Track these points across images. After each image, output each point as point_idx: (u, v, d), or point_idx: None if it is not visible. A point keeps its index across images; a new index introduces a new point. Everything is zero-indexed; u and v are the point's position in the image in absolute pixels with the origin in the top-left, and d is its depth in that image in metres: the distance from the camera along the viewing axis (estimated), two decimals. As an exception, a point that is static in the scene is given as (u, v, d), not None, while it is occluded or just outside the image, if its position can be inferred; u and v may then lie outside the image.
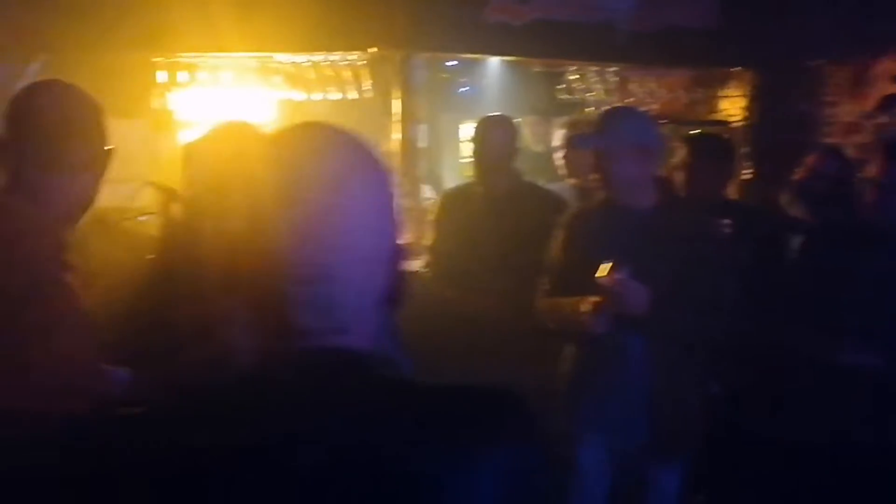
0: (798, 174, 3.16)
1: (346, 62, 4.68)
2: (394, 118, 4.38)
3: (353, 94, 4.84)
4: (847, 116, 4.51)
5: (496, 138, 3.35)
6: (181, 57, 4.64)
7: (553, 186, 3.84)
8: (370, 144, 0.89)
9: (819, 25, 4.39)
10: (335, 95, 4.91)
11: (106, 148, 1.83)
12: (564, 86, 5.74)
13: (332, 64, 4.72)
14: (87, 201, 1.82)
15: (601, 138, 2.46)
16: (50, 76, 4.41)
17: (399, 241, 0.86)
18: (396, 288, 0.85)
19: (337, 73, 4.78)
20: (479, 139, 3.37)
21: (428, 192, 4.68)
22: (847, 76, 4.54)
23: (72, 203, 1.77)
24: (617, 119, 2.59)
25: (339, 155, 0.85)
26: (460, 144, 6.16)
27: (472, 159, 3.39)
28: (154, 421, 0.82)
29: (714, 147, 3.37)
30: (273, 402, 0.79)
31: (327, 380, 0.80)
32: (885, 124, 4.29)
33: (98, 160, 1.78)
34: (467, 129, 6.05)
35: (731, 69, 5.12)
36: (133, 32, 4.16)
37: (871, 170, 2.46)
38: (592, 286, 2.26)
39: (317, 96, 4.97)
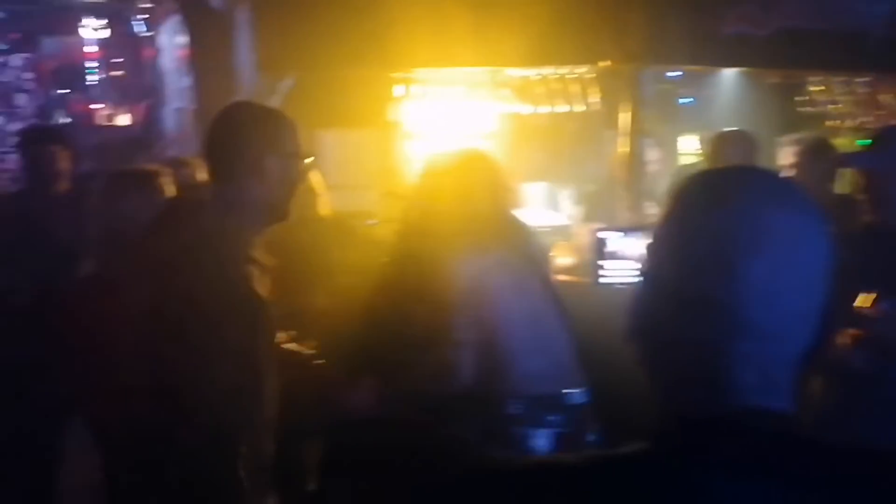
0: None
1: (575, 75, 4.68)
2: (620, 132, 4.31)
3: (579, 107, 4.82)
4: None
5: (733, 156, 3.20)
6: (417, 72, 4.87)
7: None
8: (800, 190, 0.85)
9: None
10: (562, 108, 4.91)
11: (291, 157, 1.90)
12: (806, 98, 5.34)
13: (560, 77, 4.73)
14: (270, 207, 1.88)
15: (881, 158, 2.29)
16: (299, 91, 4.89)
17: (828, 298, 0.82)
18: (821, 346, 0.83)
19: (565, 86, 4.79)
20: (714, 154, 3.24)
21: (651, 209, 4.55)
22: None
23: (248, 209, 1.84)
24: None
25: (796, 204, 0.82)
26: (679, 157, 5.96)
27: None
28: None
29: None
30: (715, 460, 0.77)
31: (768, 441, 0.77)
32: None
33: (270, 168, 1.83)
34: (686, 142, 5.86)
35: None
36: (374, 50, 4.44)
37: None
38: (853, 317, 2.09)
39: (543, 109, 5.00)
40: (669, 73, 5.70)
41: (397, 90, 4.98)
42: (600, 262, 3.24)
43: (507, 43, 4.14)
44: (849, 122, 5.15)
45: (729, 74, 5.46)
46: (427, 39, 4.25)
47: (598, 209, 4.49)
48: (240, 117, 1.94)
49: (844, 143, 4.50)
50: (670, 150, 5.98)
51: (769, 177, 0.87)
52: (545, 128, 5.32)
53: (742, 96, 5.54)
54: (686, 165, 5.45)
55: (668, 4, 4.00)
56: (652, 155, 4.78)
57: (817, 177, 3.51)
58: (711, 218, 0.79)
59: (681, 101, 6.15)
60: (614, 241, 3.23)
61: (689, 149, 5.76)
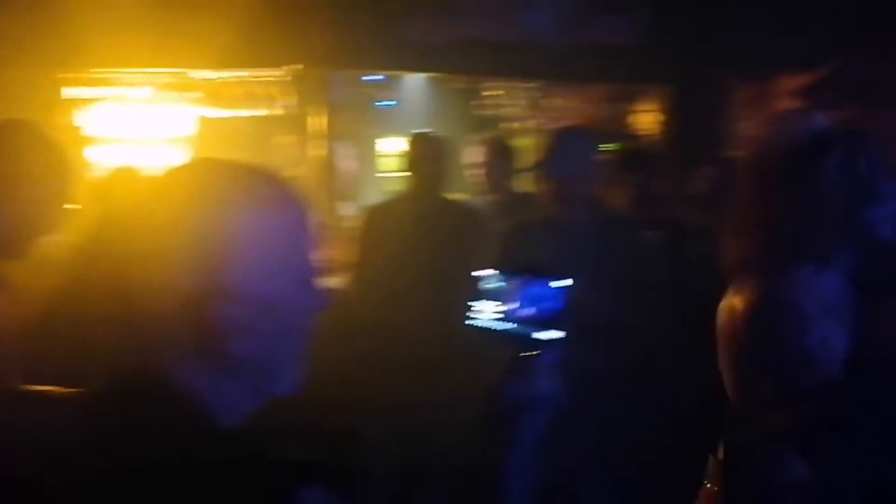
0: (696, 187, 3.30)
1: (269, 78, 4.62)
2: (314, 135, 4.34)
3: (274, 111, 4.77)
4: (752, 131, 4.75)
5: (432, 156, 3.38)
6: (92, 73, 4.48)
7: (471, 201, 3.91)
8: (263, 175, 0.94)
9: (728, 45, 4.61)
10: (256, 112, 4.83)
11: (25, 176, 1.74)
12: (483, 102, 5.81)
13: (255, 80, 4.64)
14: (13, 228, 1.76)
15: (558, 166, 2.54)
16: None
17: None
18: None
19: (258, 89, 4.71)
20: (413, 156, 3.39)
21: (346, 209, 4.65)
22: (751, 93, 4.78)
23: None
24: (574, 144, 2.67)
25: (227, 190, 0.89)
26: (377, 159, 6.17)
27: (406, 175, 3.40)
28: None
29: (641, 161, 3.48)
30: None
31: None
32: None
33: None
34: (386, 144, 6.10)
35: (652, 85, 5.30)
36: (41, 48, 4.00)
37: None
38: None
39: (236, 113, 4.88)
40: (367, 77, 5.86)
41: (71, 92, 4.52)
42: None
43: (194, 45, 3.97)
44: (522, 124, 5.71)
45: (417, 79, 5.77)
46: (104, 38, 3.93)
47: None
48: None
49: (524, 143, 4.98)
50: (370, 153, 6.16)
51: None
52: (239, 131, 5.19)
53: (434, 100, 5.89)
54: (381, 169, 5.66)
55: (354, 11, 4.10)
56: (347, 157, 4.89)
57: (500, 174, 3.86)
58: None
59: (379, 104, 6.36)
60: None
61: (389, 150, 5.98)
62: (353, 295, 3.32)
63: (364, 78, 5.82)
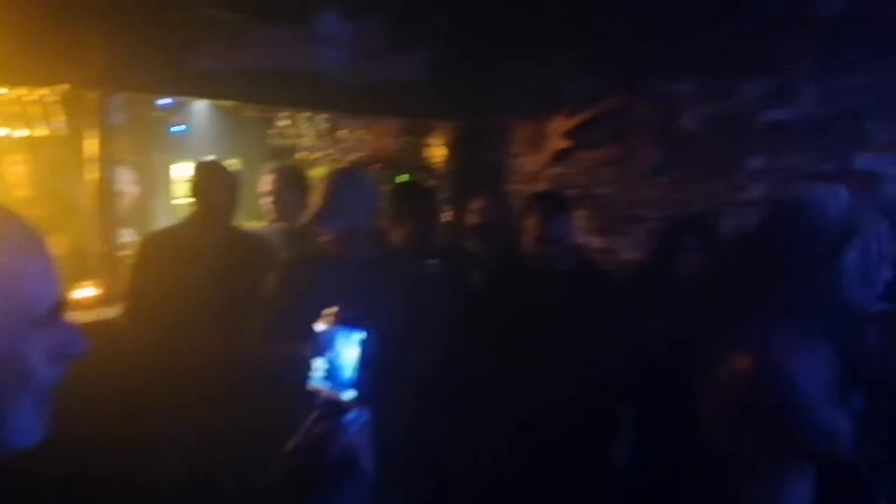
0: (472, 219, 3.51)
1: (35, 98, 4.28)
2: (89, 158, 4.08)
3: (41, 132, 4.42)
4: (528, 167, 5.11)
5: (217, 184, 3.30)
6: None
7: (261, 230, 3.86)
8: None
9: (507, 86, 4.94)
10: (28, 132, 4.45)
11: None
12: (276, 131, 5.78)
13: (18, 98, 4.28)
14: None
15: (342, 214, 2.50)
16: None
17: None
18: None
19: (24, 108, 4.34)
20: (199, 184, 3.29)
21: (129, 236, 4.41)
22: (528, 132, 5.15)
23: None
24: (351, 188, 2.57)
25: None
26: (171, 185, 5.93)
27: (192, 203, 3.29)
28: None
29: (418, 194, 3.61)
30: None
31: None
32: (559, 175, 4.93)
33: None
34: (179, 169, 5.87)
35: (437, 121, 5.53)
36: None
37: (530, 221, 2.81)
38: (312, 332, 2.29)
39: (6, 131, 4.47)
40: (161, 102, 5.62)
41: None
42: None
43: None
44: (316, 154, 5.74)
45: (210, 105, 5.63)
46: None
47: (72, 237, 4.20)
48: None
49: (318, 173, 5.00)
50: (163, 178, 5.90)
51: None
52: (12, 153, 4.77)
53: (227, 127, 5.76)
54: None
55: (130, 33, 3.92)
56: (128, 182, 4.65)
57: (290, 203, 3.84)
58: None
59: (173, 129, 6.12)
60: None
61: (182, 176, 5.76)
62: (129, 325, 3.15)
63: (159, 102, 5.58)
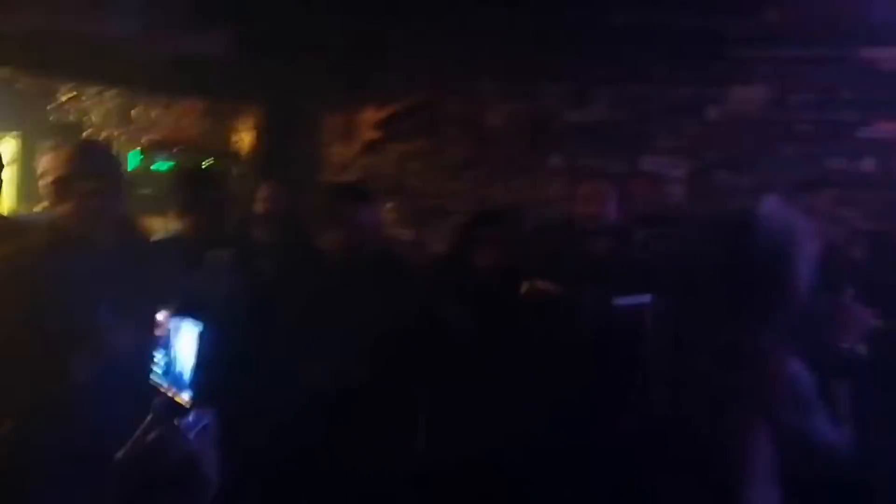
0: (258, 207, 3.38)
1: None
2: None
3: None
4: (339, 157, 5.02)
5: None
6: None
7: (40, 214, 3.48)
8: None
9: (320, 72, 4.81)
10: None
11: None
12: (58, 105, 5.25)
13: None
14: None
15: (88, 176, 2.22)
16: None
17: None
18: None
19: None
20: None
21: None
22: (339, 121, 5.06)
23: None
24: (95, 157, 2.34)
25: None
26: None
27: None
28: None
29: (206, 181, 3.34)
30: None
31: None
32: (368, 165, 4.90)
33: None
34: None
35: (243, 103, 5.28)
36: None
37: (329, 211, 2.74)
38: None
39: None
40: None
41: None
42: None
43: None
44: (103, 133, 5.28)
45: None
46: None
47: None
48: None
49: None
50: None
51: None
52: None
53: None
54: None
55: None
56: None
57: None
58: None
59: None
60: None
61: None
62: None
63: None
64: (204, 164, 5.24)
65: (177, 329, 1.16)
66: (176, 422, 1.08)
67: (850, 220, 3.65)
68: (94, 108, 5.25)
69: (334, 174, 4.95)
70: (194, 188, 3.06)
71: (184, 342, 1.15)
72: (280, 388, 2.61)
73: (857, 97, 3.70)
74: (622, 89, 4.22)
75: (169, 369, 1.16)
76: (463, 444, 2.76)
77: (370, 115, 4.91)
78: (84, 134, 5.16)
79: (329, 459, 2.59)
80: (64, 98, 5.21)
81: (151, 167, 5.33)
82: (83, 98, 5.22)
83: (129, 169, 5.01)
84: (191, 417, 1.09)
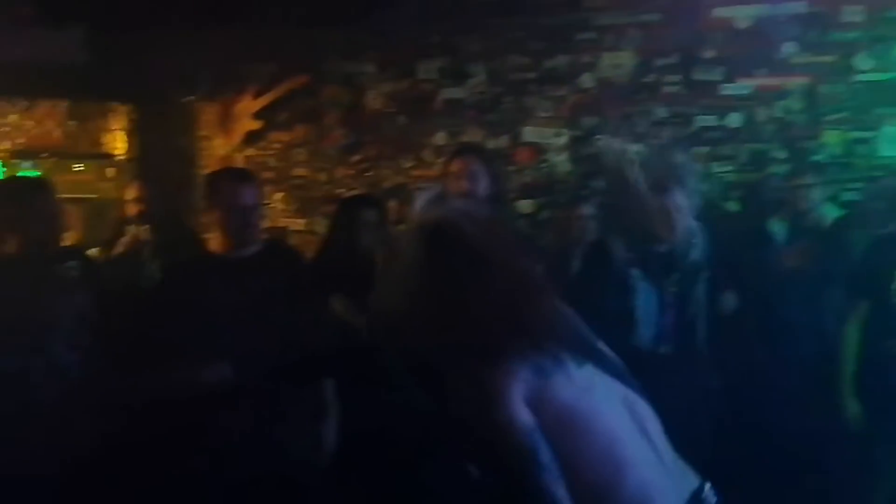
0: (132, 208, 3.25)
1: None
2: None
3: None
4: (219, 150, 4.86)
5: None
6: None
7: None
8: None
9: (187, 63, 4.63)
10: None
11: None
12: None
13: None
14: None
15: None
16: None
17: None
18: None
19: None
20: None
21: None
22: (216, 112, 4.89)
23: None
24: None
25: None
26: None
27: None
28: None
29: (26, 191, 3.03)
30: None
31: None
32: (251, 157, 4.76)
33: None
34: None
35: (109, 103, 5.03)
36: None
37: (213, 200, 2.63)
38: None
39: None
40: None
41: None
42: None
43: None
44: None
45: None
46: None
47: None
48: None
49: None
50: None
51: None
52: None
53: None
54: None
55: None
56: None
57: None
58: None
59: None
60: None
61: None
62: None
63: None
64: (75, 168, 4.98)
65: None
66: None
67: (723, 175, 3.84)
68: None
69: (217, 167, 4.78)
70: (12, 200, 2.74)
71: None
72: (178, 388, 2.53)
73: (717, 56, 3.85)
74: (498, 63, 4.25)
75: None
76: (372, 433, 2.75)
77: (247, 105, 4.76)
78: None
79: (233, 458, 2.53)
80: None
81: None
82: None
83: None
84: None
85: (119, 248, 3.44)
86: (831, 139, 3.67)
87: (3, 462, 2.25)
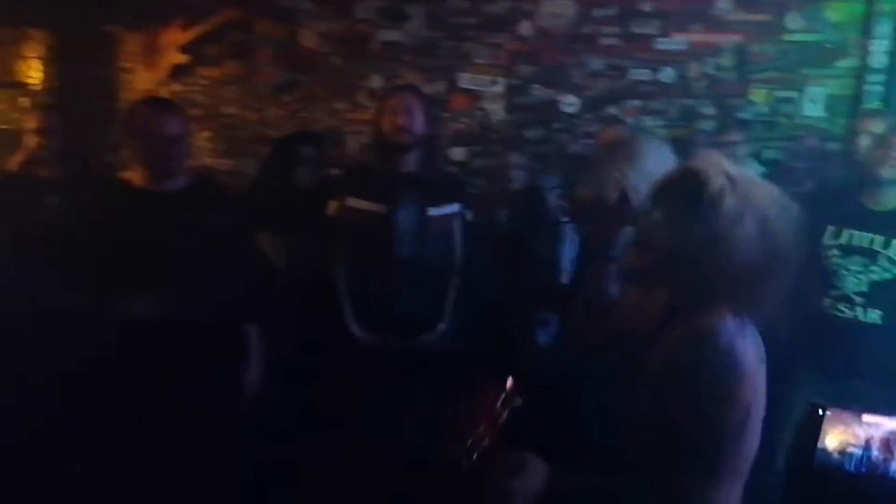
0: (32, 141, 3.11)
1: None
2: None
3: None
4: (143, 83, 4.65)
5: None
6: None
7: None
8: None
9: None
10: None
11: None
12: None
13: None
14: None
15: None
16: None
17: None
18: None
19: None
20: None
21: None
22: (140, 43, 4.67)
23: None
24: None
25: None
26: None
27: None
28: None
29: None
30: None
31: None
32: (178, 93, 4.58)
33: None
34: None
35: (25, 29, 4.74)
36: None
37: (135, 128, 2.52)
38: None
39: None
40: None
41: None
42: None
43: None
44: None
45: None
46: None
47: None
48: None
49: None
50: None
51: None
52: None
53: None
54: None
55: None
56: None
57: None
58: None
59: None
60: None
61: None
62: None
63: None
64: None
65: None
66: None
67: (654, 130, 3.88)
68: None
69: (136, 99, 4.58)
70: None
71: None
72: (100, 326, 2.46)
73: (654, 9, 3.86)
74: (437, 6, 4.17)
75: None
76: (293, 381, 2.73)
77: (174, 37, 4.56)
78: None
79: (153, 397, 2.48)
80: None
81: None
82: None
83: None
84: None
85: (12, 165, 3.29)
86: (758, 97, 3.75)
87: None
